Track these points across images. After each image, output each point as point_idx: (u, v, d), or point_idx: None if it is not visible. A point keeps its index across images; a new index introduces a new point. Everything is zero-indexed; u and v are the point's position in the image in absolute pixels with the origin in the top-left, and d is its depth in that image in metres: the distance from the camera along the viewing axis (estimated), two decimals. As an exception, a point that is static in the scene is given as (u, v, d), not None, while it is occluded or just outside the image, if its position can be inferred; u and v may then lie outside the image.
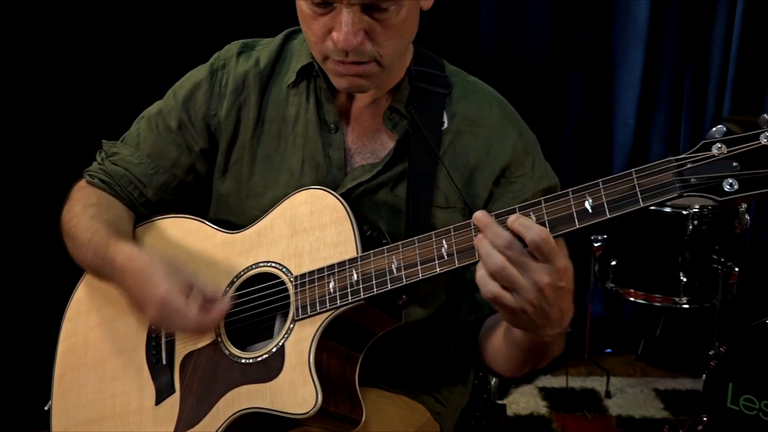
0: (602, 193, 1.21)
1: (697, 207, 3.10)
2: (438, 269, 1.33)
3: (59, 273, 1.73)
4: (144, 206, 1.74)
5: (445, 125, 1.63)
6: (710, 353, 2.84)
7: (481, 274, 1.21)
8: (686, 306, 3.23)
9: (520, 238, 1.19)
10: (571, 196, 1.23)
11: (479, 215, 1.22)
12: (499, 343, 1.49)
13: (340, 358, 1.47)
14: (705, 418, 2.82)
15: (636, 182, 1.19)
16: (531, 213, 1.24)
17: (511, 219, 1.21)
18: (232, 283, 1.57)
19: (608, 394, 3.65)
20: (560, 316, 1.24)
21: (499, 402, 2.10)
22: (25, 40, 2.89)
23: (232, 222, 1.69)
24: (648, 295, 3.31)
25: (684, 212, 3.12)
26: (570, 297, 1.24)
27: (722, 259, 3.16)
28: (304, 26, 1.49)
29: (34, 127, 2.95)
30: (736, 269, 3.17)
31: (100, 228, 1.61)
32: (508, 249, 1.18)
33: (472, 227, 1.31)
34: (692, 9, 3.79)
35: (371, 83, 1.53)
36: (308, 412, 1.36)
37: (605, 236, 3.32)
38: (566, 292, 1.22)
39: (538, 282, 1.18)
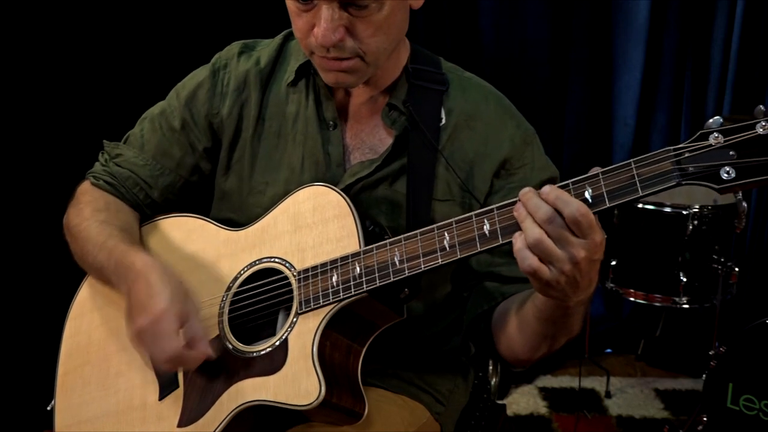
0: (602, 183, 1.23)
1: (697, 207, 3.09)
2: (440, 260, 1.35)
3: (62, 272, 1.73)
4: (149, 207, 1.75)
5: (443, 121, 1.64)
6: (710, 353, 2.84)
7: (519, 246, 1.23)
8: (686, 306, 3.21)
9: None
10: (571, 186, 1.25)
11: (524, 189, 1.25)
12: (516, 322, 1.49)
13: (343, 351, 1.48)
14: (705, 418, 2.82)
15: (635, 172, 1.21)
16: None
17: (548, 191, 1.22)
18: (236, 279, 1.58)
19: (608, 394, 3.66)
20: (588, 283, 1.27)
21: (499, 402, 2.11)
22: (27, 41, 2.89)
23: (234, 220, 1.70)
24: (648, 295, 3.29)
25: (684, 212, 3.11)
26: (598, 267, 1.27)
27: (722, 259, 3.14)
28: (292, 23, 1.52)
29: (36, 128, 2.96)
30: (736, 269, 3.15)
31: (113, 233, 1.62)
32: (548, 223, 1.20)
33: (474, 219, 1.32)
34: (692, 9, 3.80)
35: (357, 78, 1.55)
36: (312, 404, 1.37)
37: (605, 236, 3.30)
38: (597, 263, 1.25)
39: (575, 256, 1.21)
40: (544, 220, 1.20)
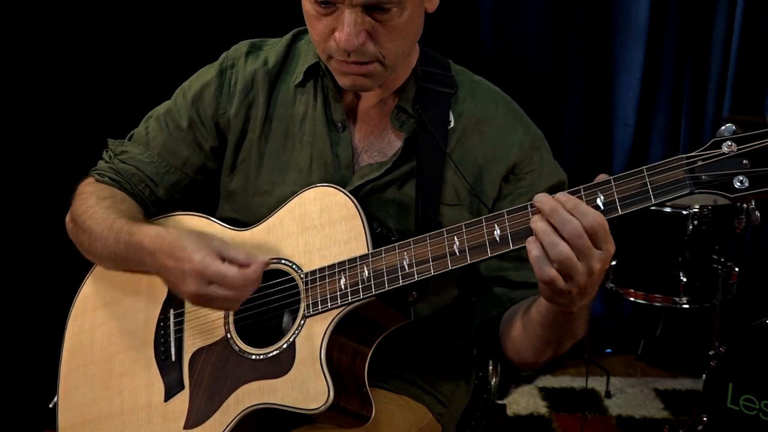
0: (614, 190, 1.23)
1: (697, 207, 3.10)
2: (450, 266, 1.35)
3: (64, 270, 1.72)
4: (154, 205, 1.74)
5: (452, 124, 1.64)
6: (710, 353, 2.85)
7: (538, 254, 1.22)
8: (686, 306, 3.22)
9: None
10: (582, 193, 1.24)
11: (542, 198, 1.23)
12: (522, 327, 1.50)
13: (350, 354, 1.48)
14: (705, 418, 2.83)
15: (648, 179, 1.21)
16: None
17: (564, 201, 1.21)
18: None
19: (608, 394, 3.66)
20: (593, 290, 1.27)
21: (499, 402, 2.11)
22: (30, 40, 2.88)
23: (239, 220, 1.69)
24: (648, 295, 3.30)
25: (684, 212, 3.12)
26: (604, 274, 1.27)
27: (722, 259, 3.15)
28: (309, 26, 1.51)
29: (38, 126, 2.94)
30: (736, 269, 3.16)
31: (118, 217, 1.61)
32: (578, 238, 1.19)
33: (484, 224, 1.32)
34: (692, 9, 3.81)
35: (375, 82, 1.54)
36: (320, 408, 1.37)
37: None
38: (605, 271, 1.25)
39: (593, 269, 1.20)
40: (573, 234, 1.19)
